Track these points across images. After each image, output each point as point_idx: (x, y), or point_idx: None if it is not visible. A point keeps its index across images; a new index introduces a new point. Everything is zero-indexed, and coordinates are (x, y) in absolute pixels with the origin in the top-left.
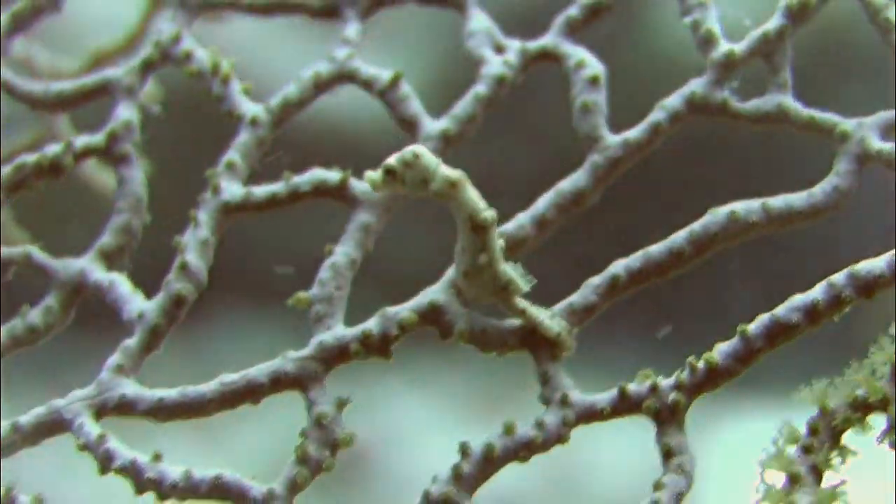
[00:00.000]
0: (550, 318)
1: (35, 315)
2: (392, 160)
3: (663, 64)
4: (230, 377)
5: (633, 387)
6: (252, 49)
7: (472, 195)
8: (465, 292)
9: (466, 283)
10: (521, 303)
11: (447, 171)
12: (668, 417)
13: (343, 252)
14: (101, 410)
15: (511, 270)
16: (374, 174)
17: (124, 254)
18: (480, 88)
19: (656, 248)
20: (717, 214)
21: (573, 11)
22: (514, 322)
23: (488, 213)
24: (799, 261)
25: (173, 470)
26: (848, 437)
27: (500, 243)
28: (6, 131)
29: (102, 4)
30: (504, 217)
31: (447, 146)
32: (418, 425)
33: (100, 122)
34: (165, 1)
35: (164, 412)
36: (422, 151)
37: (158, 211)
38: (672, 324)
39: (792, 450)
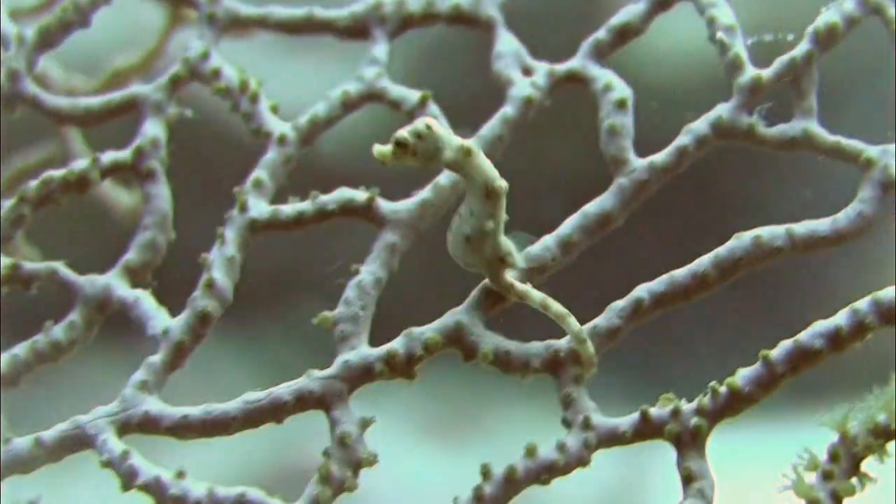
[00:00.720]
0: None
1: (58, 331)
2: (404, 132)
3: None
4: (254, 395)
5: (654, 411)
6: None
7: (487, 162)
8: (460, 256)
9: (467, 246)
10: (510, 278)
11: (461, 140)
12: (689, 442)
13: (369, 271)
14: (125, 427)
15: (511, 244)
16: (384, 147)
17: (149, 270)
18: (508, 110)
19: (681, 273)
20: (742, 239)
21: (601, 34)
22: (539, 345)
23: (502, 181)
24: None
25: (197, 487)
26: (868, 464)
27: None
28: (19, 148)
29: (117, 22)
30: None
31: None
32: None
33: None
34: (188, 18)
35: (187, 430)
36: (434, 122)
37: None
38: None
39: (811, 476)
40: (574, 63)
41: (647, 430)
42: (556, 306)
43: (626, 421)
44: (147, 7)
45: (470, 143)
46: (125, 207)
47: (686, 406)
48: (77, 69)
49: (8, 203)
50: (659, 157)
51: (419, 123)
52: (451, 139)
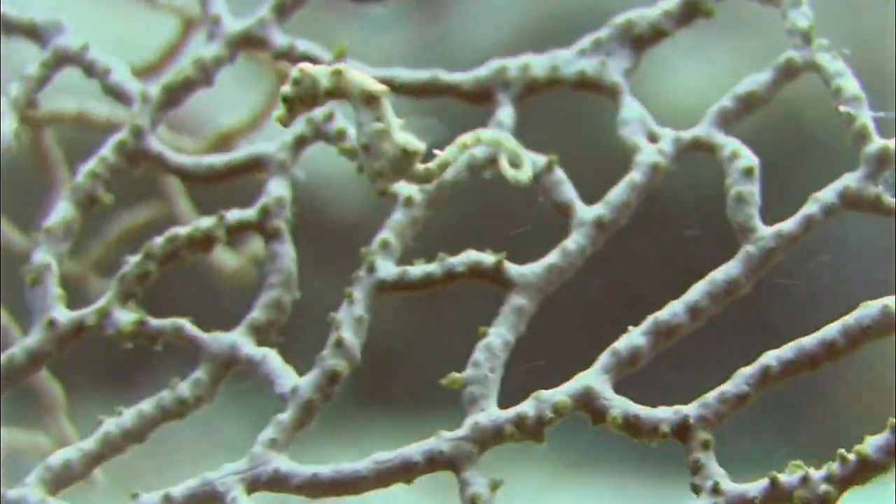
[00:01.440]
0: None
1: (184, 387)
2: (283, 87)
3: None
4: (384, 455)
5: (784, 478)
6: None
7: (360, 74)
8: (366, 169)
9: (368, 157)
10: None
11: (328, 68)
12: None
13: (497, 334)
14: (254, 484)
15: (409, 136)
16: (279, 112)
17: (274, 328)
18: (635, 176)
19: (809, 340)
20: (870, 308)
21: (726, 102)
22: (667, 410)
23: (380, 86)
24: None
25: None
26: None
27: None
28: (124, 208)
29: (221, 85)
30: None
31: (601, 232)
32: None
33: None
34: None
35: (317, 488)
36: (305, 65)
37: None
38: None
39: None
40: (699, 130)
41: (776, 496)
42: (469, 136)
43: (755, 487)
44: (251, 67)
45: (336, 66)
46: (230, 268)
47: (815, 473)
48: (181, 129)
49: (134, 259)
50: (786, 226)
51: (292, 71)
52: (323, 69)
